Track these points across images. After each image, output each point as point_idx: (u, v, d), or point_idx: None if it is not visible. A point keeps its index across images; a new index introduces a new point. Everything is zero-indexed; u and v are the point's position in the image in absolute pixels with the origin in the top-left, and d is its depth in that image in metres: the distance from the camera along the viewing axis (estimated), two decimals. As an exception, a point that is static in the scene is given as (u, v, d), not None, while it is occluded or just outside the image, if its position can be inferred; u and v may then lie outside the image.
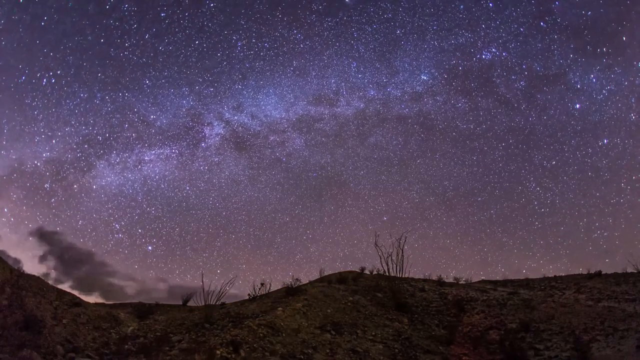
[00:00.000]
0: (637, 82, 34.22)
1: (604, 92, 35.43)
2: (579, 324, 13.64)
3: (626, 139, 35.32)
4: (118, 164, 36.10)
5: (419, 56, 38.96)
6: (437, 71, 39.21)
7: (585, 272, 23.92)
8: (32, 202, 31.85)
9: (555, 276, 25.04)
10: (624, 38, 33.90)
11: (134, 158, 36.50)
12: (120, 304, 15.31)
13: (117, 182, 35.83)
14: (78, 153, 34.28)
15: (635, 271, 20.75)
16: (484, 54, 37.68)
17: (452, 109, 39.65)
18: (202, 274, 14.31)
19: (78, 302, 12.00)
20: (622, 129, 35.63)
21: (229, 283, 14.32)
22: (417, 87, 39.44)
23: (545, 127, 38.25)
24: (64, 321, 10.21)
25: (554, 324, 14.00)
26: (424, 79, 38.83)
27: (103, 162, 35.61)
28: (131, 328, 11.51)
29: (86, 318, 10.94)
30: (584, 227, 36.49)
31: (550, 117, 37.91)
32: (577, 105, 36.60)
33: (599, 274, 22.81)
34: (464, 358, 11.90)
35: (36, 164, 32.22)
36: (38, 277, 12.74)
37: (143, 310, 13.08)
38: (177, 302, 15.94)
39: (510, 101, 38.77)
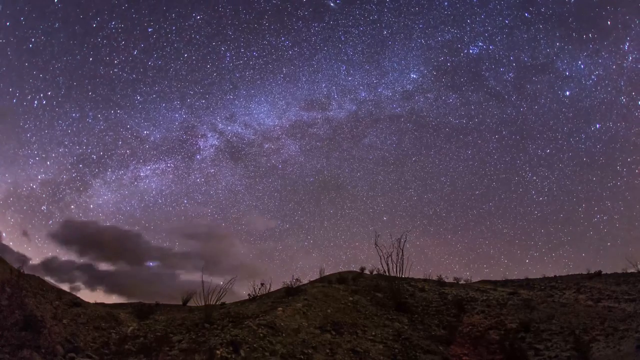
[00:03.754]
0: (625, 65, 34.60)
1: (593, 77, 35.89)
2: (579, 324, 13.63)
3: (618, 122, 35.70)
4: (114, 181, 35.89)
5: (407, 55, 39.44)
6: (426, 69, 39.69)
7: (585, 272, 23.96)
8: (30, 225, 31.62)
9: (555, 276, 25.07)
10: (609, 22, 34.26)
11: (129, 175, 36.26)
12: (120, 304, 15.34)
13: (114, 200, 35.54)
14: (73, 173, 34.40)
15: (635, 271, 20.78)
16: (471, 49, 38.22)
17: (444, 105, 40.10)
18: (202, 274, 14.29)
19: (78, 302, 11.99)
20: (613, 112, 36.11)
21: (229, 283, 14.34)
22: (408, 86, 39.81)
23: (537, 116, 38.74)
24: (64, 321, 10.19)
25: (554, 324, 13.99)
26: (413, 77, 39.18)
27: (99, 180, 35.40)
28: (131, 328, 11.50)
29: (86, 318, 10.93)
30: (583, 213, 36.91)
31: (541, 106, 38.41)
32: (567, 93, 37.12)
33: (599, 274, 22.84)
34: (464, 358, 11.89)
35: (32, 187, 31.94)
36: (38, 277, 12.73)
37: (143, 310, 13.06)
38: (177, 302, 15.95)
39: (501, 93, 39.36)
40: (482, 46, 38.02)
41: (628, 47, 34.20)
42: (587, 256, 36.23)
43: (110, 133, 35.67)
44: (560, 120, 37.78)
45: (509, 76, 38.72)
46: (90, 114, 35.36)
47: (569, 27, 36.07)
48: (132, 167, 36.33)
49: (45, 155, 33.93)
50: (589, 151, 37.12)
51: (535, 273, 35.98)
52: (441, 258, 38.54)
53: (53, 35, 32.46)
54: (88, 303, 12.88)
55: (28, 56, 31.57)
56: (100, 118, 35.40)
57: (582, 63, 36.08)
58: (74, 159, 34.72)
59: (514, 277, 26.28)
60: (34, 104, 31.40)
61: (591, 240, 36.31)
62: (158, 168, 37.29)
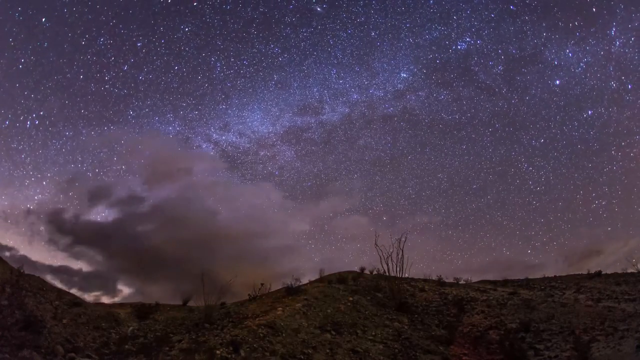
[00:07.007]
0: (612, 50, 34.72)
1: (582, 64, 36.00)
2: (579, 324, 13.63)
3: (610, 107, 35.81)
4: (112, 197, 34.92)
5: (396, 55, 39.37)
6: (416, 67, 39.54)
7: (585, 272, 23.95)
8: (30, 247, 31.28)
9: (555, 276, 25.04)
10: (594, 9, 34.41)
11: (127, 190, 35.39)
12: (120, 304, 15.30)
13: (113, 216, 34.92)
14: (70, 192, 33.23)
15: (635, 271, 20.75)
16: (459, 45, 38.06)
17: (436, 102, 40.15)
18: (203, 275, 14.17)
19: (78, 302, 11.99)
20: (604, 98, 36.18)
21: (229, 283, 14.35)
22: (399, 85, 39.77)
23: (528, 107, 38.78)
24: (64, 321, 10.20)
25: (554, 324, 13.99)
26: (404, 76, 39.17)
27: (96, 197, 34.45)
28: (131, 328, 11.50)
29: (86, 318, 10.94)
30: (581, 200, 37.00)
31: (532, 96, 38.40)
32: (557, 82, 37.06)
33: (599, 274, 22.83)
34: (464, 358, 11.89)
35: (29, 208, 31.39)
36: (38, 277, 12.74)
37: (143, 310, 13.06)
38: (177, 302, 15.92)
39: (491, 87, 39.25)
40: (469, 41, 38.00)
41: (614, 32, 34.36)
42: (589, 243, 36.21)
43: (105, 149, 34.86)
44: (552, 109, 37.77)
45: (499, 69, 38.74)
46: (84, 131, 34.63)
47: (555, 17, 36.09)
48: (129, 182, 35.89)
49: (40, 176, 33.26)
50: (583, 138, 37.24)
51: (537, 264, 36.07)
52: (443, 254, 38.49)
53: (42, 55, 31.84)
54: (88, 303, 12.89)
55: (18, 77, 31.03)
56: (94, 135, 34.61)
57: (570, 51, 36.12)
58: (69, 177, 33.79)
59: (515, 276, 26.29)
60: (27, 124, 30.81)
61: (591, 226, 36.43)
62: (155, 181, 37.03)
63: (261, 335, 10.67)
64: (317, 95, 39.92)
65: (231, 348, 9.60)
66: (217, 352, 9.33)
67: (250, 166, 39.49)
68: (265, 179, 40.11)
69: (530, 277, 24.94)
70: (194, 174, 38.62)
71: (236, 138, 39.11)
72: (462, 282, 22.66)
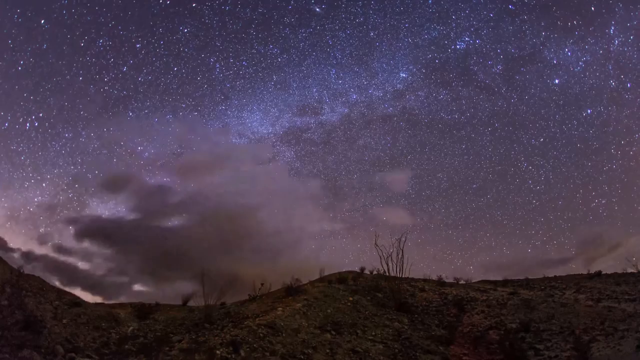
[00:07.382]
0: (611, 49, 34.65)
1: (581, 63, 35.90)
2: (579, 324, 13.63)
3: (609, 106, 35.76)
4: (112, 199, 35.06)
5: (395, 55, 39.45)
6: (415, 67, 39.64)
7: (585, 272, 23.94)
8: (30, 249, 31.07)
9: (555, 276, 25.03)
10: (593, 8, 34.32)
11: (127, 192, 35.34)
12: (120, 304, 15.29)
13: (113, 218, 34.58)
14: (70, 193, 33.44)
15: (635, 271, 20.75)
16: (458, 44, 38.15)
17: (435, 102, 40.21)
18: (203, 274, 14.10)
19: (78, 302, 11.99)
20: (603, 97, 36.09)
21: (229, 283, 14.33)
22: (398, 85, 39.86)
23: (527, 106, 38.69)
24: (64, 321, 10.20)
25: (554, 324, 14.00)
26: (403, 76, 39.27)
27: (96, 199, 34.48)
28: (131, 328, 11.50)
29: (86, 318, 10.93)
30: (581, 198, 36.98)
31: (531, 96, 38.30)
32: (556, 81, 37.04)
33: (599, 274, 22.82)
34: (464, 358, 11.89)
35: (29, 210, 31.42)
36: (38, 277, 12.73)
37: (143, 310, 13.06)
38: (177, 302, 15.88)
39: (490, 86, 39.15)
40: (468, 41, 38.09)
41: (613, 31, 34.32)
42: (589, 241, 36.19)
43: (104, 151, 35.10)
44: (552, 108, 37.75)
45: (498, 69, 38.76)
46: (83, 133, 34.79)
47: (554, 16, 35.99)
48: (129, 184, 35.69)
49: (40, 177, 33.59)
50: (582, 137, 37.27)
51: (537, 262, 36.06)
52: (443, 254, 38.50)
53: (42, 57, 31.90)
54: (88, 303, 12.88)
55: (18, 78, 31.13)
56: (94, 136, 34.73)
57: (569, 50, 36.11)
58: (69, 179, 33.91)
59: (515, 275, 26.27)
60: (26, 126, 30.90)
61: (591, 225, 36.38)
62: (155, 183, 36.88)
63: (261, 335, 10.67)
64: (316, 95, 40.03)
65: (231, 348, 9.61)
66: (217, 352, 9.33)
67: (250, 167, 39.48)
68: (264, 179, 40.10)
69: (530, 277, 24.96)
70: (194, 174, 38.60)
71: (236, 139, 39.13)
72: (462, 282, 22.65)
